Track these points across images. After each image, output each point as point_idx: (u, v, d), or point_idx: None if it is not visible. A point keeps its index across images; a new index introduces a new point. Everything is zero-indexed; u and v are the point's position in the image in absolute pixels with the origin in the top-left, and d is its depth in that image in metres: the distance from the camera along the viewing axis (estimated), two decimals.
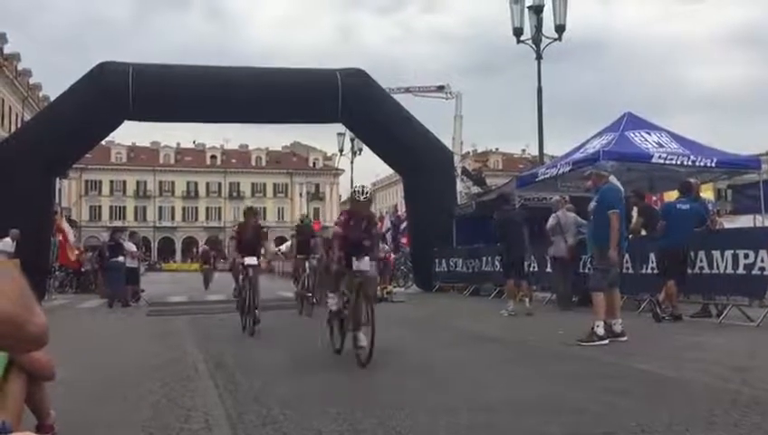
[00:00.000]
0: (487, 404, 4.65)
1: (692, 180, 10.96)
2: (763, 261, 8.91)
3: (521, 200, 14.91)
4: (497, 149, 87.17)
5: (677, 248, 9.74)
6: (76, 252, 25.20)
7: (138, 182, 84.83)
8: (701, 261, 9.84)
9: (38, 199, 16.69)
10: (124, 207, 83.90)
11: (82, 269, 23.23)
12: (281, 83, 18.20)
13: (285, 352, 7.63)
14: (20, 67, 48.37)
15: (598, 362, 6.40)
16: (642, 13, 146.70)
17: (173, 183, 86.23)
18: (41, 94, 50.09)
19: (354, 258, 6.69)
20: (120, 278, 15.92)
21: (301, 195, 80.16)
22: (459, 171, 24.27)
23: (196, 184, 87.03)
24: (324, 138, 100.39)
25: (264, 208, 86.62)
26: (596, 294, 7.74)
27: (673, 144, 12.52)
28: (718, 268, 9.58)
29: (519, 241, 11.79)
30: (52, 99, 24.81)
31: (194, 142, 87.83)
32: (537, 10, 17.46)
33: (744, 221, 16.15)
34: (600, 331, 7.54)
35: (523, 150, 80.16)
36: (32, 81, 50.78)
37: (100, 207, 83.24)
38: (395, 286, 19.06)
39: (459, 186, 23.34)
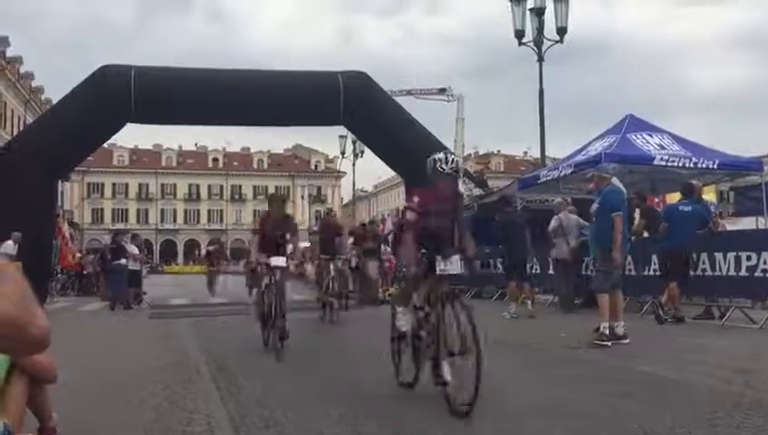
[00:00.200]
0: (490, 407, 4.64)
1: (694, 182, 10.96)
2: (765, 263, 8.90)
3: (523, 202, 14.91)
4: (499, 151, 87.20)
5: (680, 250, 9.73)
6: (78, 254, 25.24)
7: (140, 185, 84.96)
8: (703, 263, 9.83)
9: (40, 202, 16.69)
10: (126, 210, 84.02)
11: (84, 272, 23.25)
12: (283, 86, 18.20)
13: (289, 354, 7.61)
14: (22, 70, 48.45)
15: (600, 364, 6.39)
16: (643, 15, 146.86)
17: (175, 186, 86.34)
18: (43, 97, 50.15)
19: (438, 257, 4.91)
20: (123, 281, 15.93)
21: (303, 197, 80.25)
22: (461, 173, 24.25)
23: (198, 187, 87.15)
24: (326, 140, 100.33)
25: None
26: (600, 296, 7.75)
27: (675, 146, 12.52)
28: (721, 270, 9.57)
29: (521, 243, 11.78)
30: (54, 102, 24.86)
31: (196, 145, 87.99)
32: (539, 12, 17.46)
33: (747, 223, 16.16)
34: (620, 330, 7.60)
35: (525, 153, 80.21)
36: (34, 84, 50.85)
37: (102, 209, 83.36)
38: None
39: (461, 188, 23.30)
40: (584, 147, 13.63)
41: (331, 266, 11.76)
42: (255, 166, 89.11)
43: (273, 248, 8.00)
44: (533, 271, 13.46)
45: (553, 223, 12.31)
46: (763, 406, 4.48)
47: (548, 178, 13.88)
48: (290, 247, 8.29)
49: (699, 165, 12.20)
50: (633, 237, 9.68)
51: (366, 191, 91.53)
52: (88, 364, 6.75)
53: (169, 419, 4.51)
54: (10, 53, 45.81)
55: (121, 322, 12.88)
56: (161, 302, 17.90)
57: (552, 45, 17.49)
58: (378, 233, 18.20)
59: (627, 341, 7.58)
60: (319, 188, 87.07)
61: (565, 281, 12.40)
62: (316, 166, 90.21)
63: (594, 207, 8.24)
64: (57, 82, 57.77)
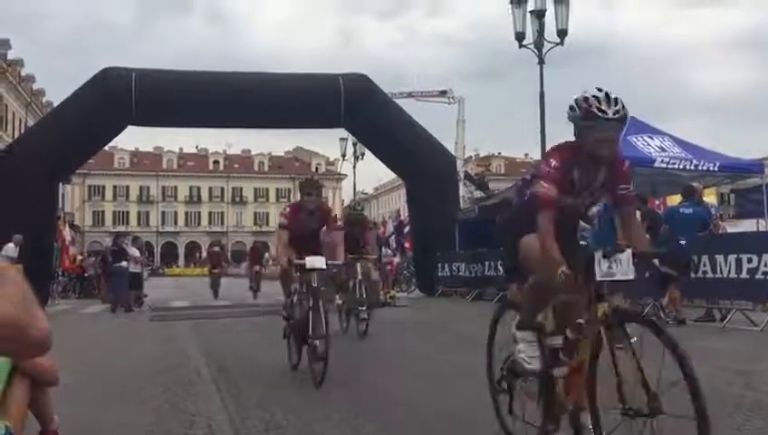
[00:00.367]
0: (490, 409, 4.64)
1: (695, 185, 10.96)
2: (766, 265, 8.89)
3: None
4: (500, 153, 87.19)
5: (680, 253, 9.73)
6: (79, 257, 25.24)
7: (141, 187, 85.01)
8: (704, 265, 9.82)
9: (41, 205, 16.72)
10: (127, 213, 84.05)
11: (86, 274, 23.26)
12: (283, 88, 18.23)
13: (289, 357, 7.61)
14: (23, 73, 48.51)
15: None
16: (644, 17, 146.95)
17: (176, 188, 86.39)
18: (44, 100, 50.20)
19: (599, 256, 3.06)
20: (124, 283, 15.95)
21: None
22: (462, 176, 24.27)
23: (198, 189, 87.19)
24: (326, 143, 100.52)
25: (267, 214, 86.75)
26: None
27: (675, 148, 12.52)
28: (722, 273, 9.56)
29: (514, 245, 11.72)
30: (55, 104, 24.89)
31: (197, 147, 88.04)
32: (539, 15, 17.45)
33: (748, 225, 16.15)
34: None
35: (526, 155, 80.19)
36: (35, 86, 50.90)
37: (103, 212, 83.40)
38: (397, 291, 19.05)
39: (462, 190, 23.35)
40: None
41: (358, 268, 9.91)
42: (256, 168, 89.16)
43: (307, 245, 6.51)
44: None
45: None
46: (764, 408, 4.47)
47: None
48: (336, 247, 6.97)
49: (700, 167, 12.21)
50: None
51: (367, 194, 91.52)
52: (89, 367, 6.75)
53: (170, 421, 4.51)
54: (11, 55, 45.87)
55: (122, 324, 12.88)
56: (162, 304, 17.90)
57: (552, 48, 17.48)
58: (378, 235, 18.22)
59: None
60: None
61: None
62: (317, 168, 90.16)
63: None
64: (58, 85, 57.82)
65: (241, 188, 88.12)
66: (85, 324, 13.13)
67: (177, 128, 27.93)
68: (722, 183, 15.45)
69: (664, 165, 12.10)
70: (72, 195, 67.24)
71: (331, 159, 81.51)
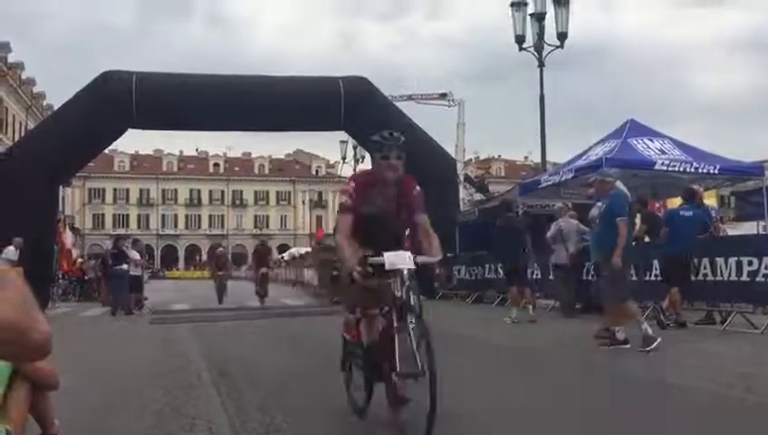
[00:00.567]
0: (493, 411, 4.64)
1: (696, 187, 10.96)
2: (766, 268, 8.89)
3: (524, 207, 14.91)
4: (500, 156, 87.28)
5: (681, 255, 9.73)
6: (79, 260, 25.23)
7: (141, 190, 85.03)
8: (705, 268, 9.82)
9: (42, 208, 16.72)
10: (127, 215, 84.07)
11: (86, 277, 23.26)
12: (283, 91, 18.25)
13: (290, 360, 7.61)
14: (24, 76, 48.56)
15: (602, 369, 6.39)
16: (644, 18, 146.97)
17: (176, 191, 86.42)
18: (45, 103, 50.26)
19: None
20: (124, 286, 15.95)
21: (303, 202, 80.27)
22: (462, 178, 24.28)
23: (199, 192, 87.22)
24: (327, 146, 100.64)
25: (267, 217, 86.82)
26: (625, 307, 7.69)
27: (676, 151, 12.53)
28: (722, 275, 9.56)
29: (516, 248, 11.73)
30: (56, 107, 24.90)
31: (197, 150, 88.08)
32: (539, 17, 17.51)
33: (748, 228, 16.17)
34: (621, 335, 7.56)
35: (526, 157, 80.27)
36: (35, 89, 50.96)
37: (103, 215, 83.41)
38: None
39: (462, 193, 23.36)
40: (585, 151, 13.64)
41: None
42: (256, 171, 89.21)
43: (384, 235, 4.35)
44: (534, 276, 13.46)
45: (552, 229, 12.31)
46: (765, 411, 4.47)
47: (549, 183, 13.88)
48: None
49: (700, 170, 12.21)
50: (634, 242, 9.67)
51: None
52: (90, 370, 6.75)
53: (171, 424, 4.51)
54: (11, 58, 45.92)
55: (123, 327, 12.88)
56: (162, 307, 17.90)
57: (552, 50, 17.53)
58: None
59: (628, 345, 7.57)
60: (320, 194, 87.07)
61: (565, 286, 12.40)
62: (317, 171, 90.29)
63: (594, 211, 8.23)
64: (59, 88, 58.00)
65: (241, 191, 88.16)
66: (85, 328, 13.13)
67: (178, 131, 27.97)
68: (722, 186, 15.47)
69: (664, 168, 12.11)
70: (72, 198, 67.28)
71: (332, 162, 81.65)
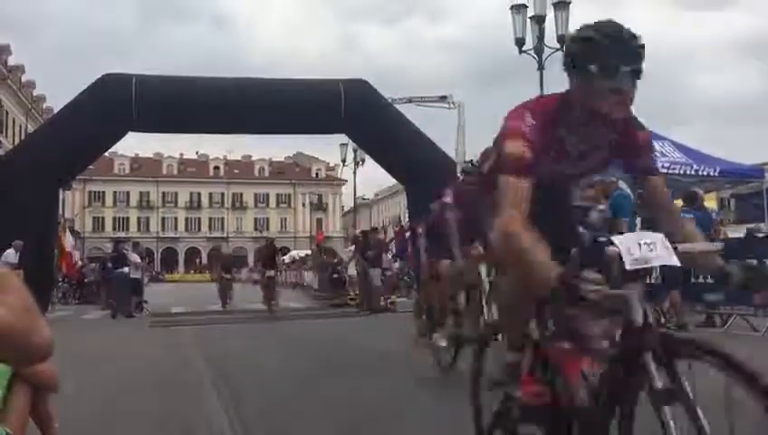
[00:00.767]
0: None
1: (698, 191, 10.95)
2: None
3: None
4: None
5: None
6: (79, 263, 25.23)
7: (141, 193, 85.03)
8: None
9: (42, 211, 16.71)
10: (127, 218, 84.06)
11: (86, 280, 23.26)
12: (284, 94, 18.24)
13: (291, 363, 7.60)
14: (24, 79, 48.58)
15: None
16: (645, 21, 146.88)
17: (176, 194, 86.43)
18: (45, 106, 50.30)
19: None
20: (125, 289, 15.95)
21: (304, 205, 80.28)
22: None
23: (199, 195, 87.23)
24: (327, 148, 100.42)
25: (267, 219, 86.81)
26: None
27: (676, 153, 12.53)
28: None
29: None
30: (56, 110, 24.91)
31: (197, 153, 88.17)
32: (539, 20, 17.50)
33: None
34: None
35: None
36: (36, 92, 50.99)
37: (103, 217, 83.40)
38: (398, 297, 19.03)
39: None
40: None
41: (483, 271, 7.34)
42: (257, 174, 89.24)
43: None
44: None
45: None
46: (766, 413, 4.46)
47: None
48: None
49: (700, 172, 12.22)
50: None
51: (367, 199, 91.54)
52: (90, 373, 6.74)
53: (171, 427, 4.50)
54: (12, 61, 45.96)
55: (123, 330, 12.88)
56: (162, 310, 17.90)
57: (552, 53, 17.53)
58: (380, 241, 18.21)
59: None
60: (320, 196, 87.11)
61: None
62: (317, 174, 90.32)
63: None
64: (59, 91, 58.00)
65: (241, 194, 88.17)
66: (86, 331, 13.12)
67: (178, 133, 27.97)
68: (722, 188, 15.47)
69: (664, 170, 12.08)
70: (72, 201, 67.26)
71: (332, 165, 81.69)
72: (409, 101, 33.07)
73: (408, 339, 10.13)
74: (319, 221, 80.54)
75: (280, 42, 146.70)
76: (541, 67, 17.46)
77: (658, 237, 2.09)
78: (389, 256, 21.25)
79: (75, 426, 4.14)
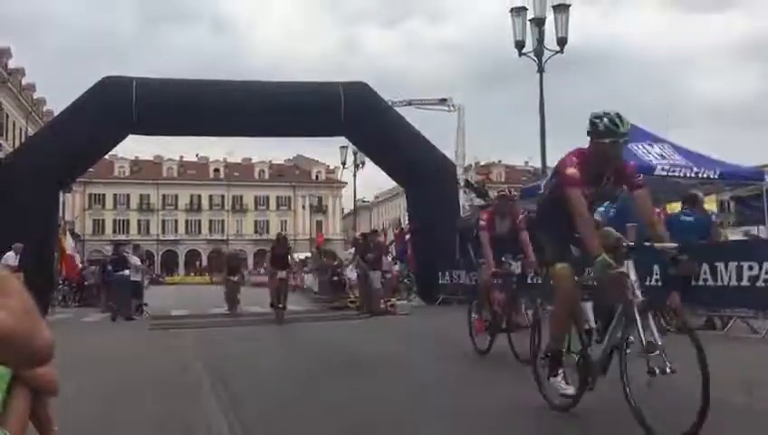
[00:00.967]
0: (494, 419, 4.63)
1: (698, 193, 10.96)
2: (767, 273, 8.88)
3: (525, 212, 14.89)
4: (500, 161, 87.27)
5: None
6: (80, 266, 25.22)
7: (141, 196, 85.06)
8: (705, 273, 9.81)
9: (42, 213, 16.73)
10: (128, 221, 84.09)
11: (85, 283, 23.24)
12: (284, 97, 18.27)
13: (290, 365, 7.60)
14: (24, 81, 48.59)
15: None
16: (646, 23, 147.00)
17: (176, 196, 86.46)
18: (45, 109, 50.30)
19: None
20: (125, 292, 15.95)
21: (304, 207, 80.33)
22: (462, 183, 24.23)
23: (199, 197, 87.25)
24: (327, 151, 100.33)
25: (267, 222, 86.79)
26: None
27: (676, 156, 12.55)
28: (722, 280, 9.55)
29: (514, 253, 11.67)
30: (56, 113, 24.94)
31: (197, 156, 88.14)
32: (539, 23, 17.53)
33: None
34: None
35: (526, 162, 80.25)
36: (36, 95, 51.00)
37: (103, 220, 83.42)
38: (398, 299, 19.03)
39: (462, 198, 23.28)
40: None
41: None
42: (257, 176, 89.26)
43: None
44: (536, 281, 13.42)
45: None
46: (767, 416, 4.46)
47: None
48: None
49: (700, 175, 12.23)
50: None
51: (367, 202, 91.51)
52: (90, 376, 6.73)
53: (171, 430, 4.50)
54: (12, 64, 45.99)
55: (123, 333, 12.87)
56: (162, 313, 17.89)
57: (552, 56, 17.56)
58: (380, 243, 18.21)
59: (628, 350, 7.54)
60: (320, 199, 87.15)
61: None
62: (317, 176, 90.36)
63: (596, 217, 8.16)
64: (60, 94, 57.88)
65: (241, 196, 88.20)
66: (86, 333, 13.11)
67: (178, 136, 27.99)
68: (722, 191, 15.47)
69: (664, 172, 12.11)
70: (72, 203, 67.26)
71: (332, 167, 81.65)
72: (409, 103, 33.03)
73: (408, 341, 10.12)
74: (319, 224, 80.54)
75: (280, 44, 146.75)
76: (540, 69, 17.49)
77: None
78: (390, 259, 21.25)
79: (75, 429, 4.13)
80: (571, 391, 4.40)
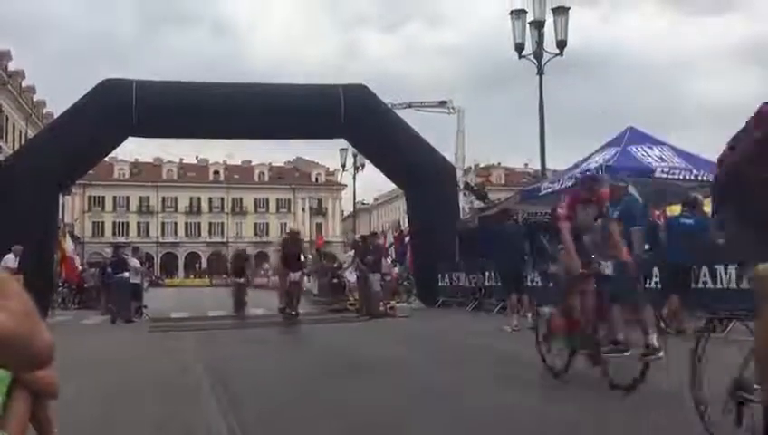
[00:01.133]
0: (493, 423, 4.63)
1: (698, 196, 10.95)
2: None
3: (524, 215, 14.92)
4: (500, 163, 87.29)
5: (681, 263, 9.72)
6: (80, 268, 25.20)
7: (141, 198, 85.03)
8: (705, 276, 9.82)
9: (42, 216, 16.73)
10: (127, 223, 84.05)
11: (85, 285, 23.22)
12: (284, 99, 18.30)
13: (289, 368, 7.59)
14: (24, 84, 48.61)
15: (603, 378, 6.35)
16: (646, 26, 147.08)
17: (176, 199, 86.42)
18: (45, 111, 50.31)
19: None
20: (125, 294, 15.95)
21: (303, 210, 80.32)
22: (461, 186, 24.26)
23: (199, 199, 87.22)
24: (327, 153, 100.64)
25: (267, 224, 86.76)
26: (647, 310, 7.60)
27: (675, 158, 12.55)
28: (722, 283, 9.56)
29: (507, 255, 11.69)
30: (56, 115, 24.95)
31: (197, 158, 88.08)
32: (538, 25, 17.56)
33: None
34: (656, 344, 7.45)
35: (526, 165, 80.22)
36: (36, 97, 51.01)
37: (103, 222, 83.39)
38: (397, 301, 19.03)
39: (462, 200, 23.32)
40: (585, 159, 13.67)
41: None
42: (256, 179, 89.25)
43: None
44: (535, 283, 13.44)
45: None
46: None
47: (549, 190, 13.90)
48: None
49: (700, 177, 12.23)
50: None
51: (367, 204, 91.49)
52: (89, 379, 6.73)
53: (170, 433, 4.50)
54: (12, 66, 46.00)
55: (122, 335, 12.87)
56: (162, 315, 17.88)
57: (551, 58, 17.58)
58: (380, 245, 18.20)
59: (628, 353, 7.54)
60: (319, 201, 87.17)
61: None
62: (317, 178, 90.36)
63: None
64: (60, 96, 57.87)
65: (241, 199, 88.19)
66: (85, 336, 13.10)
67: (178, 138, 27.97)
68: None
69: (663, 175, 12.12)
70: (71, 205, 67.22)
71: (331, 170, 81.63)
72: (409, 106, 33.06)
73: (407, 343, 10.11)
74: (318, 226, 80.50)
75: (280, 48, 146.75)
76: (540, 72, 17.51)
77: None
78: (389, 261, 21.25)
79: (75, 431, 4.13)
80: None
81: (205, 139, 28.58)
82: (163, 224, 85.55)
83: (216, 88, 18.71)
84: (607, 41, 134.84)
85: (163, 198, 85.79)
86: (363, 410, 5.14)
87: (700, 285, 9.85)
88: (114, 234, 79.40)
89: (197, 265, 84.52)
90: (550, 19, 17.53)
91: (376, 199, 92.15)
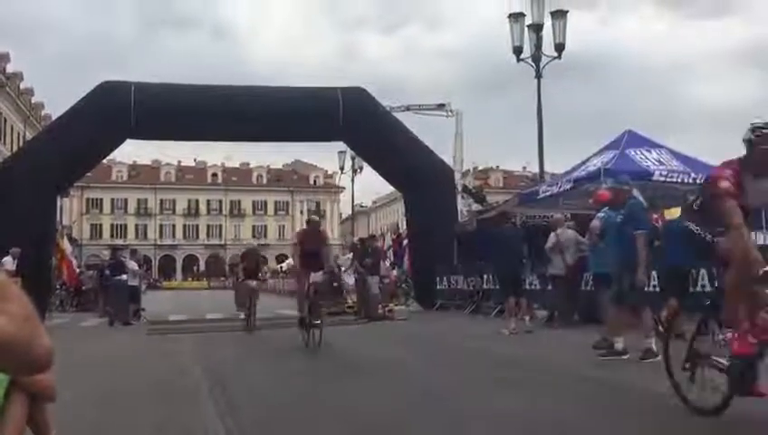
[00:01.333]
0: (493, 425, 4.63)
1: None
2: None
3: (522, 218, 14.92)
4: (498, 166, 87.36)
5: (679, 266, 9.71)
6: (78, 271, 25.17)
7: (139, 200, 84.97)
8: (703, 278, 9.82)
9: (40, 218, 16.71)
10: (125, 225, 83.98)
11: (83, 288, 23.19)
12: (282, 102, 18.30)
13: (288, 371, 7.59)
14: (22, 86, 48.61)
15: (603, 381, 6.36)
16: (645, 30, 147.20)
17: (174, 201, 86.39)
18: (43, 113, 50.31)
19: None
20: (123, 297, 15.93)
21: (302, 212, 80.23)
22: (459, 189, 24.27)
23: (197, 202, 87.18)
24: (325, 156, 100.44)
25: (265, 226, 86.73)
26: (645, 312, 7.63)
27: (673, 162, 12.57)
28: (721, 285, 9.55)
29: (505, 258, 11.70)
30: (54, 117, 24.94)
31: (195, 160, 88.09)
32: (536, 29, 17.59)
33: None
34: (620, 346, 7.48)
35: (524, 168, 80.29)
36: (34, 99, 51.01)
37: (101, 225, 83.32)
38: (395, 304, 19.02)
39: (460, 203, 23.34)
40: (583, 162, 13.68)
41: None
42: (255, 181, 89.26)
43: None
44: (532, 287, 13.45)
45: (551, 240, 12.30)
46: (765, 424, 4.46)
47: (547, 193, 13.91)
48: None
49: (698, 180, 12.22)
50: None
51: (365, 206, 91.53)
52: (87, 382, 6.72)
53: None
54: (10, 68, 46.00)
55: (120, 338, 12.85)
56: (160, 318, 17.86)
57: (550, 61, 17.61)
58: (378, 248, 18.20)
59: (626, 356, 7.56)
60: (318, 204, 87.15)
61: (563, 297, 12.38)
62: (315, 181, 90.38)
63: (596, 223, 8.16)
64: (58, 98, 57.89)
65: (239, 201, 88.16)
66: (83, 338, 13.07)
67: (176, 141, 27.93)
68: None
69: (662, 178, 12.13)
70: (69, 208, 67.17)
71: (330, 172, 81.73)
72: (407, 108, 33.08)
73: (406, 346, 10.10)
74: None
75: (279, 50, 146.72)
76: (538, 75, 17.54)
77: None
78: (387, 264, 21.24)
79: (72, 434, 4.12)
80: None
81: (203, 141, 28.55)
82: (161, 226, 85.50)
83: (214, 90, 18.71)
84: (605, 44, 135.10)
85: (161, 201, 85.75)
86: (362, 412, 5.14)
87: (698, 288, 9.85)
88: (112, 236, 79.32)
89: (195, 268, 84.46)
90: (548, 22, 17.59)
91: (374, 202, 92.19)
